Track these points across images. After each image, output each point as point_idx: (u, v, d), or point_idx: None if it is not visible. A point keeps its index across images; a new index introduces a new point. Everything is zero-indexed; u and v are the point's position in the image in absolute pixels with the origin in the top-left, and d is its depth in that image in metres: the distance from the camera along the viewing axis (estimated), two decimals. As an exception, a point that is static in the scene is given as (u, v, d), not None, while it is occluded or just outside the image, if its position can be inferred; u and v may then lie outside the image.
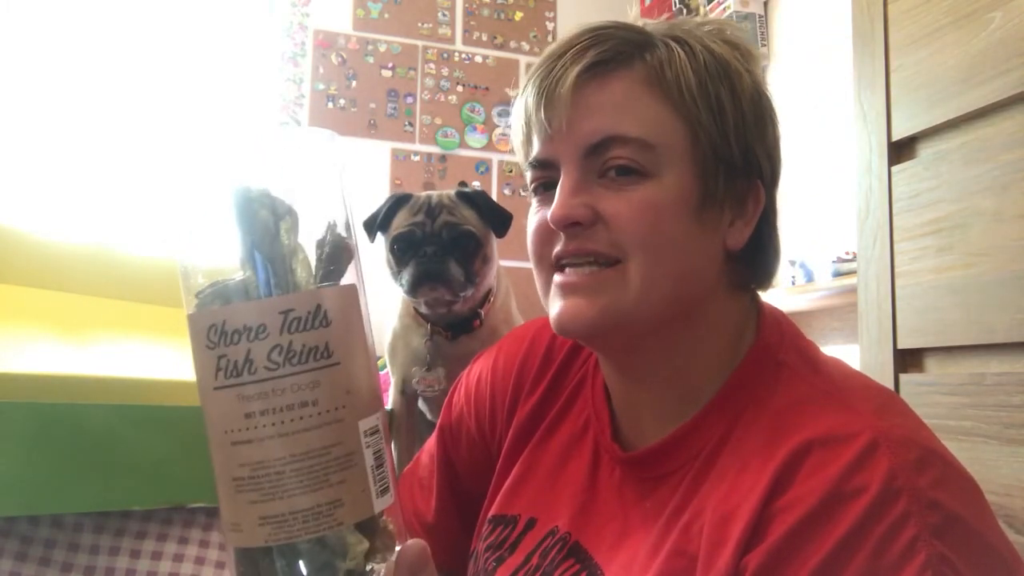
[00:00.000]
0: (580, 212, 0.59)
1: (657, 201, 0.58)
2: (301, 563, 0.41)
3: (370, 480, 0.42)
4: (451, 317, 1.01)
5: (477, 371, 0.84)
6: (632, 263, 0.58)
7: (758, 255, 0.64)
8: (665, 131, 0.59)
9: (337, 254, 0.44)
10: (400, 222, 1.00)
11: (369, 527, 0.43)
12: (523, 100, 0.63)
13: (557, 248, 0.61)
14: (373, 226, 1.02)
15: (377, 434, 0.44)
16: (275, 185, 0.42)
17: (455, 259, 0.97)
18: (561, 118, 0.59)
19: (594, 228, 0.59)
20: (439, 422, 0.86)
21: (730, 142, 0.59)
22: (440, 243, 0.97)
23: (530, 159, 0.63)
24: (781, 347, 0.63)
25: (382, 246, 1.05)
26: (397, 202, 1.01)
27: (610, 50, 0.60)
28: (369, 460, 0.42)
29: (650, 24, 0.63)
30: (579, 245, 0.60)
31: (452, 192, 1.01)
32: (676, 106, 0.59)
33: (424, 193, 1.02)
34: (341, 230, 0.44)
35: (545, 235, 0.62)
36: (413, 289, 0.98)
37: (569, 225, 0.59)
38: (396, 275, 1.00)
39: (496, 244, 1.03)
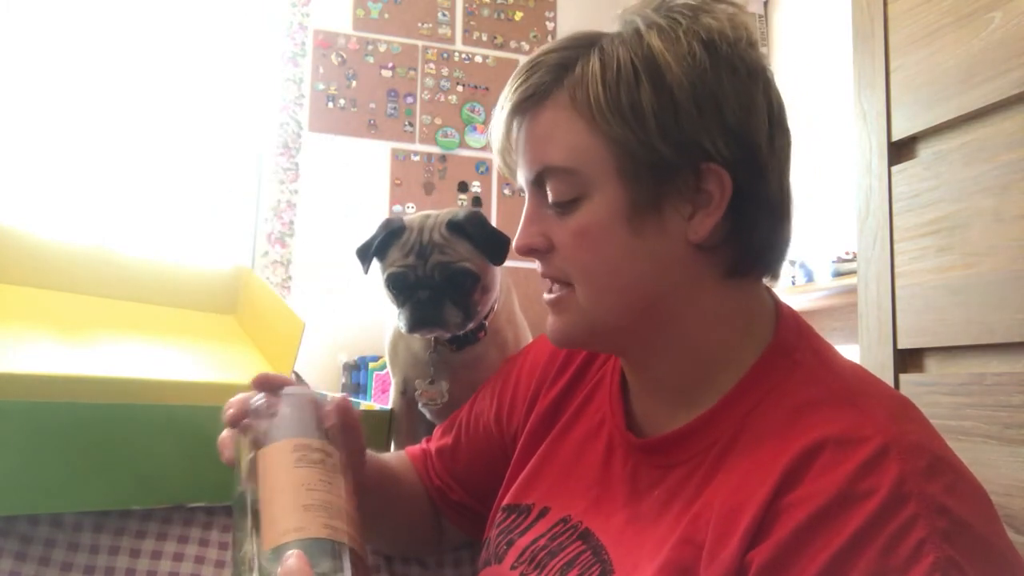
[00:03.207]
0: (536, 241, 0.65)
1: (590, 224, 0.62)
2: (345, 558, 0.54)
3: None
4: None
5: (504, 371, 0.89)
6: (577, 286, 0.64)
7: (743, 239, 0.62)
8: (584, 152, 0.61)
9: None
10: (393, 260, 0.95)
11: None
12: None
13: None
14: (366, 256, 0.98)
15: None
16: None
17: (451, 300, 0.93)
18: (507, 158, 0.68)
19: (551, 254, 0.65)
20: (455, 416, 0.91)
21: (653, 144, 0.58)
22: (433, 285, 0.93)
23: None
24: (798, 347, 0.63)
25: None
26: (390, 234, 0.96)
27: (532, 85, 0.63)
28: None
29: (617, 16, 0.64)
30: (544, 271, 0.67)
31: (444, 222, 0.95)
32: (590, 123, 0.60)
33: (416, 223, 0.96)
34: None
35: None
36: (410, 332, 0.96)
37: (528, 252, 0.66)
38: (397, 308, 0.97)
39: (495, 268, 0.99)
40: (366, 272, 0.99)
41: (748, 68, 0.60)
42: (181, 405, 0.90)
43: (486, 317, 0.99)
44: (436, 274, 0.93)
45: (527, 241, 0.65)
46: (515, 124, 0.65)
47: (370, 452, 0.79)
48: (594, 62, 0.60)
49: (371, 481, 0.77)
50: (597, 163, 0.61)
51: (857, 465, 0.51)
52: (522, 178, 0.67)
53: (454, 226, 0.94)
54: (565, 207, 0.63)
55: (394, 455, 0.92)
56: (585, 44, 0.62)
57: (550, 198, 0.63)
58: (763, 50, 3.18)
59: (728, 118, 0.59)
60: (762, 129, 0.61)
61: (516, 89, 0.64)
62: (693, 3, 0.61)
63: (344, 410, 0.64)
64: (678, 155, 0.59)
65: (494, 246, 0.95)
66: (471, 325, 0.96)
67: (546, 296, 0.67)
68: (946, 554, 0.47)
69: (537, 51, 0.65)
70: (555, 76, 0.62)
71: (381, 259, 0.97)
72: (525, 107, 0.64)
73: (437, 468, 0.88)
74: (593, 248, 0.62)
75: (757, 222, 0.62)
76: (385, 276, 0.96)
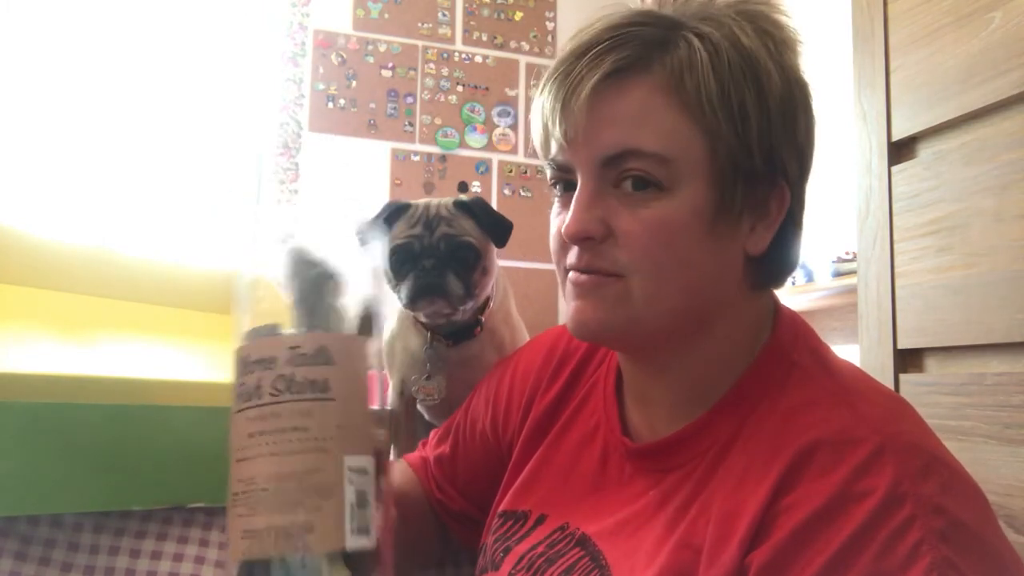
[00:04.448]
0: (593, 227, 0.58)
1: (670, 218, 0.57)
2: None
3: (346, 515, 0.45)
4: (451, 326, 0.99)
5: (497, 375, 0.88)
6: (635, 280, 0.58)
7: (779, 255, 0.63)
8: (682, 143, 0.57)
9: (367, 321, 0.52)
10: (398, 233, 0.96)
11: (359, 568, 0.46)
12: (541, 102, 0.62)
13: (570, 258, 0.61)
14: (371, 231, 0.99)
15: (365, 475, 0.47)
16: (330, 256, 0.53)
17: (454, 272, 0.94)
18: (577, 128, 0.58)
19: (605, 243, 0.59)
20: (451, 421, 0.90)
21: (752, 151, 0.57)
22: (438, 255, 0.94)
23: (549, 158, 0.63)
24: (795, 348, 0.63)
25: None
26: (395, 211, 0.97)
27: (629, 56, 0.57)
28: (350, 496, 0.45)
29: (679, 6, 0.60)
30: (588, 261, 0.60)
31: (450, 201, 0.97)
32: (695, 116, 0.56)
33: (422, 202, 0.98)
34: (373, 305, 0.53)
35: (562, 242, 0.62)
36: (412, 302, 0.95)
37: (581, 240, 0.59)
38: (395, 287, 0.97)
39: (495, 253, 1.00)
40: (362, 244, 0.99)
41: (807, 92, 0.61)
42: (181, 405, 0.90)
43: (482, 312, 1.00)
44: (442, 244, 0.95)
45: (584, 227, 0.58)
46: (591, 96, 0.57)
47: None
48: (699, 48, 0.56)
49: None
50: (692, 157, 0.57)
51: (853, 467, 0.51)
52: (583, 156, 0.59)
53: (461, 204, 0.97)
54: (641, 195, 0.57)
55: (395, 468, 0.91)
56: (668, 25, 0.58)
57: (624, 182, 0.58)
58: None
59: (799, 136, 0.59)
60: (814, 150, 0.62)
61: (603, 58, 0.57)
62: (771, 16, 0.60)
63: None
64: (765, 164, 0.58)
65: (498, 228, 0.98)
66: (470, 304, 0.97)
67: (578, 277, 0.61)
68: (943, 554, 0.47)
69: (606, 20, 0.59)
70: (650, 52, 0.57)
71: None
72: (613, 79, 0.57)
73: (437, 478, 0.87)
74: (669, 243, 0.57)
75: (791, 240, 0.63)
76: (389, 251, 0.97)
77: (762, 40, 0.58)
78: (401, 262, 0.96)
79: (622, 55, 0.57)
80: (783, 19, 0.60)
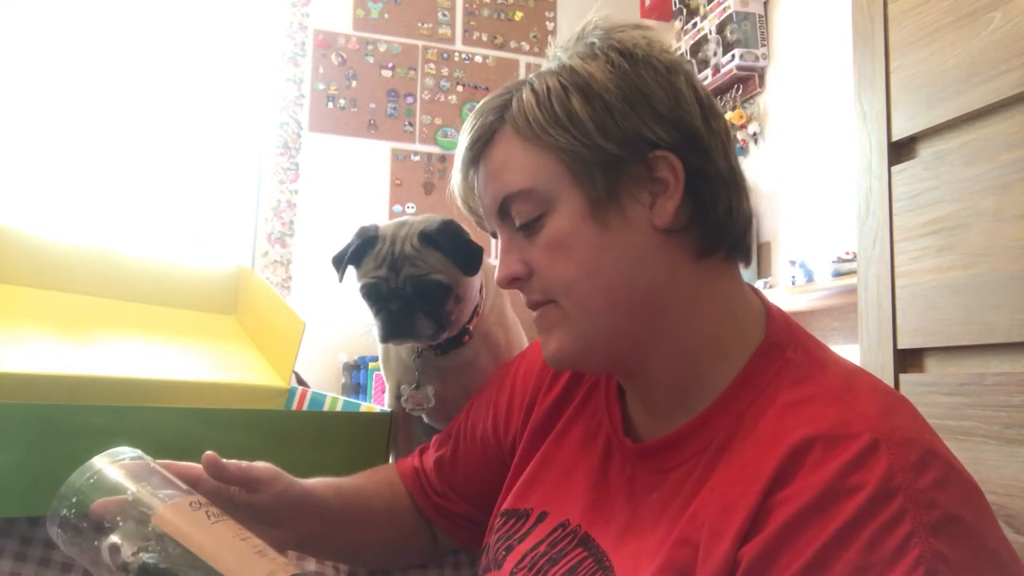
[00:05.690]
0: (515, 269, 0.67)
1: (559, 232, 0.64)
2: None
3: None
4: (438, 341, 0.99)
5: (499, 378, 0.89)
6: (562, 299, 0.65)
7: (708, 219, 0.64)
8: (539, 169, 0.64)
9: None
10: (365, 271, 0.96)
11: None
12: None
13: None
14: (341, 264, 0.98)
15: None
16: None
17: (423, 312, 0.93)
18: (473, 205, 0.71)
19: (532, 279, 0.67)
20: (452, 425, 0.91)
21: (597, 143, 0.62)
22: (405, 297, 0.93)
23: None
24: (789, 346, 0.64)
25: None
26: (364, 243, 0.96)
27: (479, 128, 0.68)
28: None
29: (546, 60, 0.69)
30: (529, 299, 0.68)
31: (416, 234, 0.95)
32: (539, 143, 0.64)
33: (389, 232, 0.96)
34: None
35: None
36: (384, 341, 0.96)
37: (511, 283, 0.68)
38: (373, 317, 0.97)
39: (474, 277, 0.97)
40: (340, 280, 0.99)
41: (666, 65, 0.64)
42: (180, 407, 0.90)
43: (469, 322, 0.99)
44: (408, 286, 0.93)
45: (508, 271, 0.67)
46: (472, 171, 0.70)
47: (317, 480, 0.79)
48: (527, 93, 0.66)
49: (334, 504, 0.78)
50: (551, 175, 0.64)
51: (846, 461, 0.52)
52: (490, 219, 0.69)
53: (426, 238, 0.94)
54: (532, 226, 0.65)
55: (372, 474, 0.91)
56: (518, 85, 0.68)
57: (516, 222, 0.66)
58: (763, 50, 3.19)
59: (659, 107, 0.63)
60: (695, 113, 0.64)
61: (464, 140, 0.69)
62: (604, 26, 0.66)
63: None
64: (622, 148, 0.62)
65: (466, 257, 0.94)
66: (445, 335, 0.95)
67: (533, 317, 0.69)
68: (933, 548, 0.47)
69: (476, 108, 0.70)
70: (497, 116, 0.67)
71: (356, 267, 0.97)
72: (476, 150, 0.68)
73: (434, 483, 0.88)
74: (567, 255, 0.64)
75: (716, 198, 0.64)
76: (360, 286, 0.96)
77: (588, 50, 0.65)
78: (371, 300, 0.95)
79: (474, 130, 0.68)
80: (614, 22, 0.67)
